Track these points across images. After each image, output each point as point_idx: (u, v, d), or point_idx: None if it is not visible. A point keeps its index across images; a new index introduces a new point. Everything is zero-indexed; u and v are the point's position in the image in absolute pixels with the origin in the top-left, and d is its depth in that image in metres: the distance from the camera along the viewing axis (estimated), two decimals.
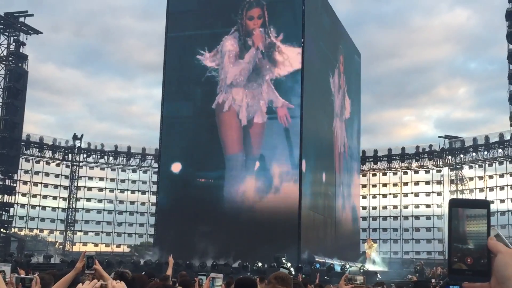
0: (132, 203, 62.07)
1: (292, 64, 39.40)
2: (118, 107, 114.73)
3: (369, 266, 37.74)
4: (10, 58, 49.42)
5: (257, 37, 40.44)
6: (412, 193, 59.65)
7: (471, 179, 55.79)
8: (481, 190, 54.98)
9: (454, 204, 1.68)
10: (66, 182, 59.94)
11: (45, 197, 59.68)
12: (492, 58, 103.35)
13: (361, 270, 34.42)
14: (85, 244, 60.09)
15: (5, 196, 49.25)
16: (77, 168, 59.66)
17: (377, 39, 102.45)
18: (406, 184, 59.96)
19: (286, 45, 39.84)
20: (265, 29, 40.45)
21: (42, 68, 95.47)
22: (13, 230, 54.72)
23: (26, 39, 50.10)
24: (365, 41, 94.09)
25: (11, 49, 49.65)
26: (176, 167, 40.51)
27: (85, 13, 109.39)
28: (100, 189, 61.77)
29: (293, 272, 26.67)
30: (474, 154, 54.85)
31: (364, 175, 60.43)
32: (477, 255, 1.63)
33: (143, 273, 11.00)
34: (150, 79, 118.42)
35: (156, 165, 53.60)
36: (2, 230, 49.21)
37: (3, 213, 49.41)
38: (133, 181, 62.13)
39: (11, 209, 51.31)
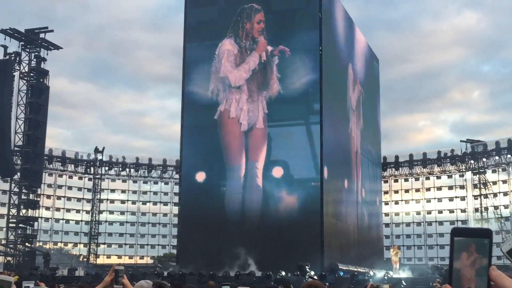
0: (154, 214, 62.35)
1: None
2: (131, 119, 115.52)
3: (394, 273, 37.46)
4: (31, 74, 50.04)
5: (262, 44, 40.28)
6: (435, 198, 59.16)
7: (494, 183, 55.18)
8: (505, 194, 54.38)
9: (456, 234, 1.69)
10: (88, 195, 60.39)
11: (68, 210, 60.21)
12: (505, 61, 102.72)
13: (386, 278, 34.14)
14: (108, 256, 60.40)
15: (29, 210, 49.74)
16: (99, 181, 60.10)
17: (386, 44, 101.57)
18: (428, 189, 59.48)
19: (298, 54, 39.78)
20: (267, 36, 40.31)
21: (54, 82, 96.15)
22: (37, 244, 55.19)
23: (47, 54, 50.74)
24: (375, 47, 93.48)
25: (32, 65, 50.28)
26: (200, 176, 40.53)
27: (94, 27, 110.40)
28: (122, 202, 62.18)
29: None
30: (497, 157, 54.31)
31: (385, 181, 60.09)
32: (479, 285, 1.64)
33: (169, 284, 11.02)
34: (163, 91, 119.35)
35: (177, 176, 53.74)
36: (27, 244, 49.65)
37: (28, 227, 49.87)
38: (155, 193, 62.45)
39: (35, 223, 51.73)
